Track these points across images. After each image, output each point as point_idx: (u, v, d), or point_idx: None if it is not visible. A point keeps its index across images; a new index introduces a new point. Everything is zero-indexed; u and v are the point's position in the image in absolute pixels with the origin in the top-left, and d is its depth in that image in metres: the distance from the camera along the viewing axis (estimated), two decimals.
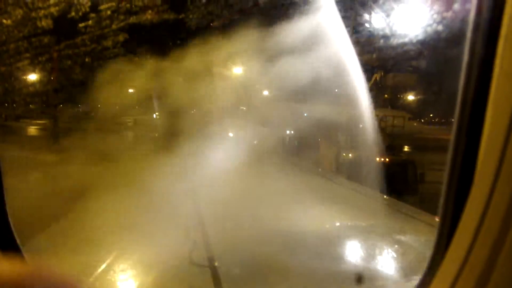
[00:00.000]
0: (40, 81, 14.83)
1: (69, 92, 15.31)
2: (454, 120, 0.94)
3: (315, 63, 9.17)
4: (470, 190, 0.87)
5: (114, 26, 14.42)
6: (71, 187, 7.15)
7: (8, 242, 1.47)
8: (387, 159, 9.41)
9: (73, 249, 4.48)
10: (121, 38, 14.71)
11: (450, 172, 0.96)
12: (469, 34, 0.91)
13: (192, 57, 11.80)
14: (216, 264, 4.21)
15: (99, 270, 4.21)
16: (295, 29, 9.00)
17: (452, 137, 0.95)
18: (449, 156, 0.96)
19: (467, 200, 0.87)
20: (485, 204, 0.81)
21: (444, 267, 0.91)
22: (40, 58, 13.85)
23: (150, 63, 13.91)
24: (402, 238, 4.83)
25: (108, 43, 14.64)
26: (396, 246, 4.63)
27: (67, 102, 16.81)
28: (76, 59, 14.50)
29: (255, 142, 11.75)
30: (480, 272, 0.79)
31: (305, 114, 12.81)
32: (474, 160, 0.87)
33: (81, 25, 13.91)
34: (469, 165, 0.88)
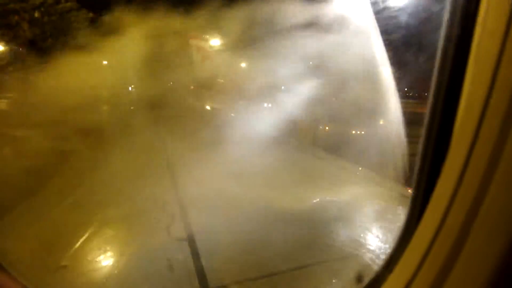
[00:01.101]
0: None
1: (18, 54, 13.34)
2: (433, 82, 0.90)
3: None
4: (445, 156, 0.84)
5: None
6: None
7: None
8: (363, 132, 9.49)
9: None
10: None
11: (427, 134, 0.92)
12: None
13: (160, 19, 10.91)
14: (194, 237, 4.21)
15: (77, 244, 4.17)
16: None
17: (429, 99, 0.91)
18: (425, 120, 0.92)
19: (443, 167, 0.84)
20: (460, 173, 0.78)
21: (418, 236, 0.89)
22: None
23: (110, 20, 12.74)
24: (377, 209, 4.92)
25: None
26: (371, 217, 4.72)
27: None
28: (23, 14, 12.76)
29: (233, 115, 11.65)
30: (453, 241, 0.77)
31: (282, 88, 12.68)
32: (451, 125, 0.84)
33: None
34: (446, 131, 0.84)
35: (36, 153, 7.43)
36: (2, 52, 13.01)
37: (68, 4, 13.48)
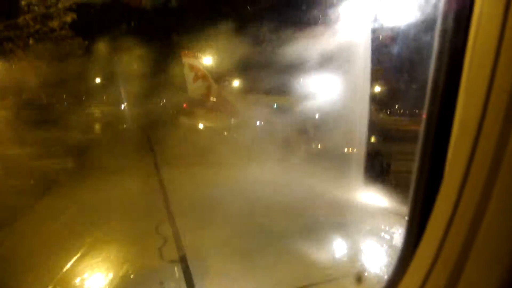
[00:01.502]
0: None
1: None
2: (425, 110, 0.91)
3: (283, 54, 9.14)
4: (440, 181, 0.85)
5: (60, 5, 13.04)
6: None
7: None
8: (354, 150, 9.52)
9: None
10: (68, 18, 13.40)
11: (420, 163, 0.93)
12: (439, 23, 0.89)
13: (151, 42, 11.24)
14: (186, 259, 4.14)
15: (66, 267, 4.07)
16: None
17: (422, 127, 0.92)
18: (419, 146, 0.93)
19: (439, 191, 0.85)
20: (457, 196, 0.79)
21: (416, 261, 0.89)
22: None
23: (105, 48, 12.84)
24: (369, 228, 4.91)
25: (54, 24, 13.25)
26: (368, 237, 4.71)
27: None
28: (18, 42, 12.89)
29: (225, 133, 11.67)
30: (453, 265, 0.77)
31: (275, 106, 12.81)
32: (445, 150, 0.85)
33: (24, 2, 12.58)
34: (440, 156, 0.86)
35: (26, 172, 7.33)
36: None
37: (63, 32, 13.59)
